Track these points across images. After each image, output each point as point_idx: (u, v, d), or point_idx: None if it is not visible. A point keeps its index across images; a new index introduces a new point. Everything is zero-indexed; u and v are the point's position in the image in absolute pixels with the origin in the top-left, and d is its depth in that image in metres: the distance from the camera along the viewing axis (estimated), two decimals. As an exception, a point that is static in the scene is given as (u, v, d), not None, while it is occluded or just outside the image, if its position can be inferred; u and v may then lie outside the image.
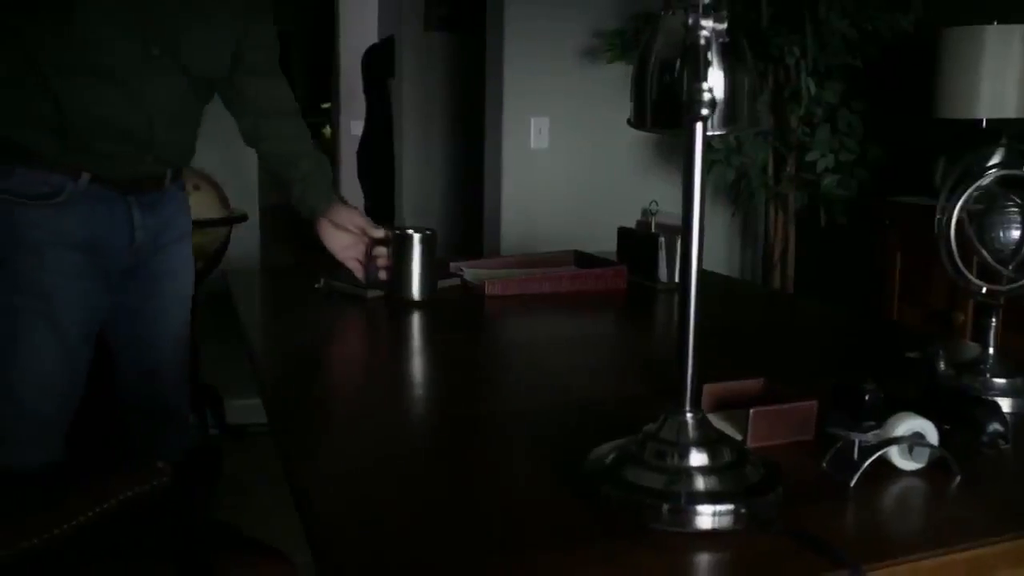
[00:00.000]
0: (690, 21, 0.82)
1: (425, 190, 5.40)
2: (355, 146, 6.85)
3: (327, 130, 9.36)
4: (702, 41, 0.81)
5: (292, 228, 8.29)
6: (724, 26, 0.84)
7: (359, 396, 1.28)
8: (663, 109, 0.94)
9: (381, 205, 5.99)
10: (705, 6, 0.84)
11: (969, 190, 1.22)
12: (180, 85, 1.67)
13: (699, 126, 0.85)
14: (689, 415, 0.91)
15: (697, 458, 0.89)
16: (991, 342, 1.27)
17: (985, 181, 1.24)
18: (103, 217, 1.64)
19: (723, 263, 4.06)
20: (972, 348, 1.61)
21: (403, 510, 0.92)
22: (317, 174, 1.87)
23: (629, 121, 1.03)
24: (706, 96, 0.75)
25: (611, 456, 0.93)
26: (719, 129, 0.91)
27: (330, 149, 8.86)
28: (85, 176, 1.59)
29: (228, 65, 1.75)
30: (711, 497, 0.87)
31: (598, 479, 0.91)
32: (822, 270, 3.73)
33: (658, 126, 0.98)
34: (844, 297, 3.28)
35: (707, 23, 0.83)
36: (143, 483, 1.22)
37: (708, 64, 0.79)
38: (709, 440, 0.90)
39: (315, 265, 1.91)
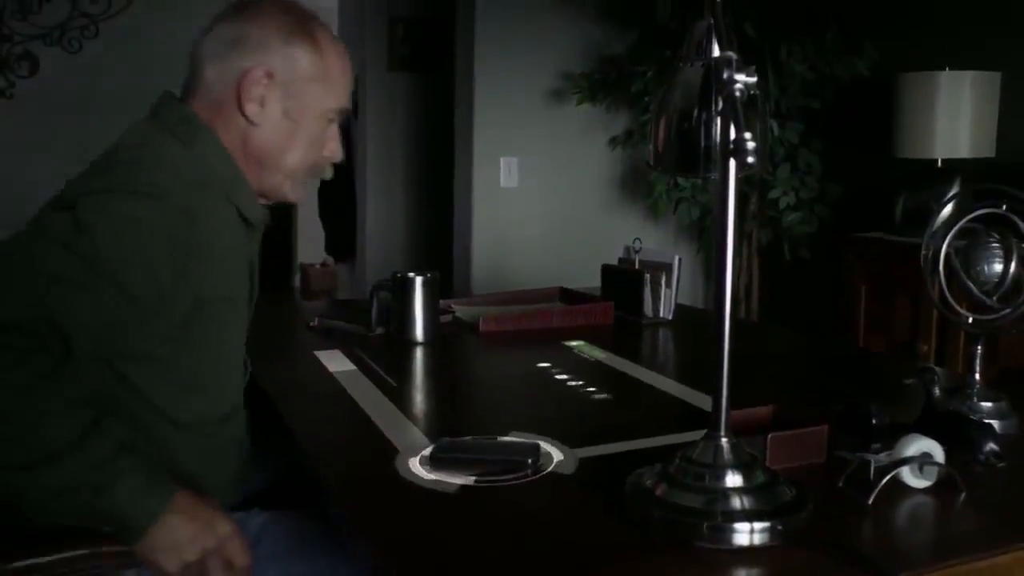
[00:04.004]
0: (725, 75, 0.90)
1: (387, 228, 5.45)
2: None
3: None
4: (737, 93, 0.89)
5: (262, 264, 8.27)
6: (754, 80, 0.92)
7: (394, 427, 1.32)
8: (682, 154, 1.02)
9: (342, 243, 6.02)
10: (737, 61, 0.92)
11: (956, 227, 1.31)
12: None
13: (733, 169, 0.92)
14: (724, 439, 0.97)
15: (733, 479, 0.95)
16: (977, 369, 1.36)
17: (966, 219, 1.34)
18: None
19: (688, 297, 4.17)
20: (951, 375, 1.70)
21: (450, 536, 0.97)
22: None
23: (647, 163, 1.10)
24: (751, 145, 0.83)
25: (651, 478, 0.99)
26: (742, 172, 0.99)
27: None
28: None
29: None
30: (748, 515, 0.93)
31: (640, 500, 0.97)
32: (786, 303, 3.85)
33: (678, 169, 1.06)
34: (808, 329, 3.39)
35: (740, 76, 0.90)
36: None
37: (750, 115, 0.86)
38: (743, 462, 0.97)
39: (287, 302, 1.92)
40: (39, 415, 1.03)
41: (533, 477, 1.10)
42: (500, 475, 1.10)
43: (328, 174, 1.45)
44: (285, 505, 1.35)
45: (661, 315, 2.13)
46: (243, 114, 1.30)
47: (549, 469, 1.13)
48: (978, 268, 1.32)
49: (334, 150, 1.40)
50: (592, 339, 1.92)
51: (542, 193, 3.95)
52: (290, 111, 1.32)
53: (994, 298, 1.32)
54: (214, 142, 1.30)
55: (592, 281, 2.32)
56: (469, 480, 1.09)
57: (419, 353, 1.84)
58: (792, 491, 0.98)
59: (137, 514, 1.07)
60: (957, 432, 1.16)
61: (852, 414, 1.19)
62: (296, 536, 1.29)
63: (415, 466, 1.14)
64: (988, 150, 2.95)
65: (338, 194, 6.02)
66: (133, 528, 1.07)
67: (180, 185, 1.21)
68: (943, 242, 1.33)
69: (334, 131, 1.40)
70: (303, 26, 1.32)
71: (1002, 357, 2.56)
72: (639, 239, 2.23)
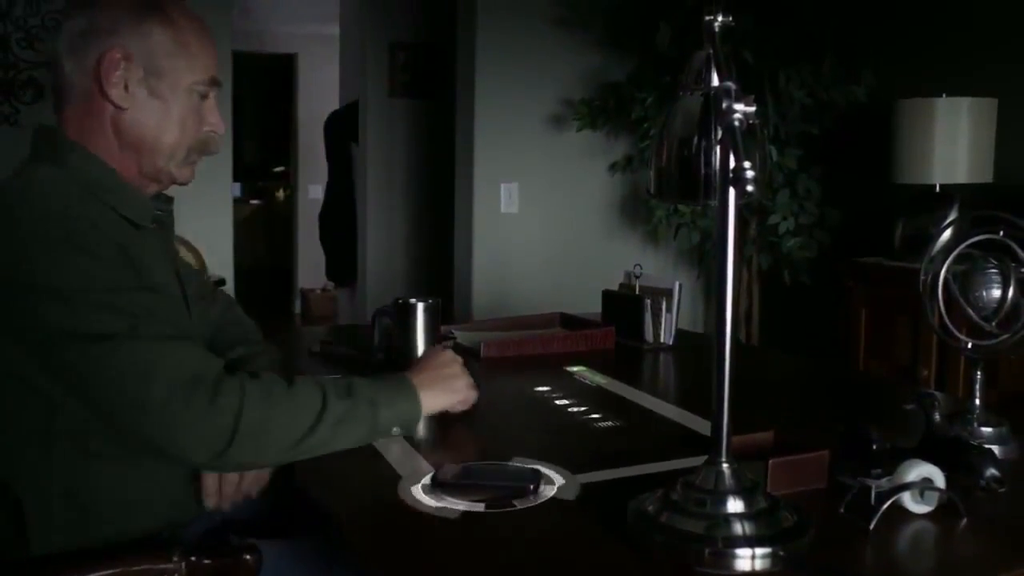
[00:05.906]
0: (724, 105, 0.91)
1: (388, 253, 5.46)
2: (313, 208, 6.92)
3: (280, 193, 9.43)
4: (736, 123, 0.90)
5: (263, 290, 8.29)
6: (753, 109, 0.93)
7: (396, 453, 1.32)
8: (682, 182, 1.03)
9: (343, 268, 6.04)
10: (736, 91, 0.93)
11: (954, 253, 1.32)
12: None
13: (733, 197, 0.93)
14: (725, 465, 0.98)
15: (734, 504, 0.96)
16: (977, 394, 1.36)
17: (964, 244, 1.35)
18: None
19: (688, 321, 4.17)
20: (951, 400, 1.70)
21: (452, 561, 0.97)
22: None
23: (648, 191, 1.11)
24: (750, 174, 0.84)
25: (652, 504, 1.00)
26: (742, 200, 1.00)
27: (283, 211, 8.94)
28: None
29: None
30: (749, 541, 0.93)
31: (642, 526, 0.97)
32: (786, 328, 3.85)
33: (678, 197, 1.07)
34: (808, 353, 3.40)
35: (739, 106, 0.91)
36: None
37: (749, 144, 0.87)
38: (744, 488, 0.97)
39: (288, 327, 1.90)
40: (291, 397, 1.20)
41: (535, 503, 1.11)
42: (502, 501, 1.10)
43: (216, 148, 1.43)
44: (281, 534, 1.34)
45: (662, 340, 2.13)
46: (109, 101, 1.28)
47: (551, 495, 1.13)
48: (977, 293, 1.33)
49: (214, 123, 1.38)
50: (593, 364, 1.93)
51: (542, 218, 3.97)
52: (155, 90, 1.30)
53: (993, 323, 1.33)
54: (82, 152, 1.28)
55: (593, 306, 2.33)
56: (471, 506, 1.09)
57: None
58: (793, 516, 0.98)
59: (413, 403, 1.32)
60: (958, 457, 1.16)
61: (853, 439, 1.19)
62: (300, 566, 1.28)
63: (417, 492, 1.15)
64: (986, 175, 2.97)
65: (339, 219, 6.04)
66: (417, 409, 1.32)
67: (55, 199, 1.20)
68: (942, 267, 1.34)
69: (210, 104, 1.38)
70: (153, 3, 1.31)
71: (1002, 382, 2.56)
72: (639, 264, 2.24)
